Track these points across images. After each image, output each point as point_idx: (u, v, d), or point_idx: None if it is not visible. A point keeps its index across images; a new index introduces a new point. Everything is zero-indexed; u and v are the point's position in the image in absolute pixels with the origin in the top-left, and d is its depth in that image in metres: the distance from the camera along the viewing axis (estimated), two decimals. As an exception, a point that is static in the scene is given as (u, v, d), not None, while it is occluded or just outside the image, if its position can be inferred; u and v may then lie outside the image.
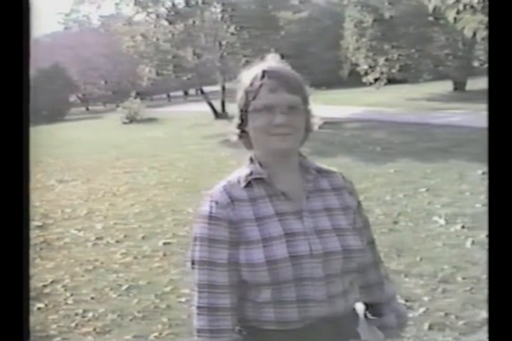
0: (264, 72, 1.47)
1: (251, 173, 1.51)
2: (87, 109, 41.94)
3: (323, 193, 1.56)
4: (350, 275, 1.54)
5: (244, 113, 1.51)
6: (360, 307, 1.66)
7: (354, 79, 26.50)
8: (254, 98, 1.46)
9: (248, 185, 1.50)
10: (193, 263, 1.48)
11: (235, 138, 1.57)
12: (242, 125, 1.53)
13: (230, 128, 1.56)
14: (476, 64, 22.35)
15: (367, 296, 1.68)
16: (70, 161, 12.25)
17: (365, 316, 1.67)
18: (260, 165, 1.51)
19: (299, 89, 1.49)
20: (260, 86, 1.46)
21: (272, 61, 1.54)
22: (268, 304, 1.46)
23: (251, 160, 1.54)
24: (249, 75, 1.50)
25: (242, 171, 1.54)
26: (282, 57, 1.58)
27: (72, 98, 40.23)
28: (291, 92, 1.46)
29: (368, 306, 1.69)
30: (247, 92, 1.48)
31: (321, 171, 1.59)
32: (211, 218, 1.46)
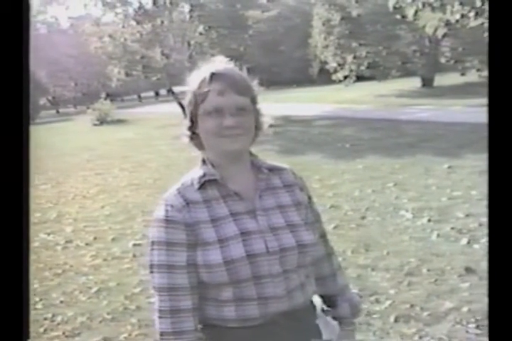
0: (212, 75, 1.48)
1: (204, 175, 1.52)
2: (58, 112, 41.45)
3: (276, 191, 1.59)
4: (306, 268, 1.58)
5: (194, 115, 1.52)
6: (316, 299, 1.70)
7: (323, 77, 26.71)
8: (203, 101, 1.48)
9: (202, 186, 1.51)
10: (151, 267, 1.49)
11: (186, 139, 1.58)
12: (193, 127, 1.54)
13: (181, 130, 1.57)
14: (442, 60, 22.68)
15: (321, 288, 1.72)
16: (41, 165, 12.10)
17: (322, 308, 1.71)
18: (213, 166, 1.53)
19: (247, 90, 1.51)
20: (208, 89, 1.47)
21: (220, 63, 1.54)
22: (229, 302, 1.48)
23: (203, 161, 1.56)
24: (197, 78, 1.51)
25: (195, 173, 1.55)
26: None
27: (42, 101, 39.70)
28: (239, 94, 1.47)
29: (323, 297, 1.74)
30: (195, 95, 1.50)
31: (272, 169, 1.61)
32: (167, 221, 1.47)
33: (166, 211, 1.48)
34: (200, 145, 1.56)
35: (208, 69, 1.50)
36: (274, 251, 1.48)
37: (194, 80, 1.52)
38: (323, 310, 1.69)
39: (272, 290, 1.48)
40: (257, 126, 1.55)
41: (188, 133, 1.56)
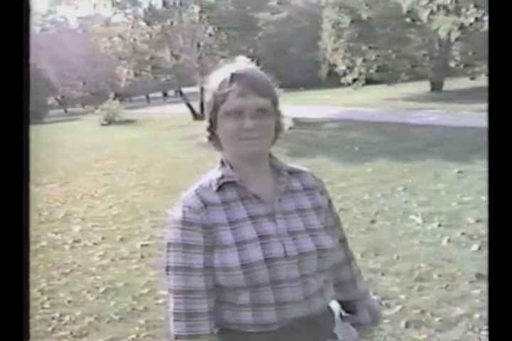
0: (232, 76, 1.44)
1: (222, 177, 1.49)
2: (66, 111, 41.56)
3: (295, 194, 1.56)
4: (325, 273, 1.54)
5: (213, 116, 1.49)
6: (334, 305, 1.67)
7: (332, 80, 26.63)
8: (222, 102, 1.45)
9: (220, 188, 1.48)
10: (167, 269, 1.47)
11: (205, 140, 1.56)
12: (212, 128, 1.51)
13: (201, 131, 1.55)
14: (452, 64, 22.60)
15: (341, 293, 1.69)
16: (48, 164, 12.12)
17: (340, 314, 1.68)
18: (231, 167, 1.50)
19: (268, 92, 1.47)
20: (229, 90, 1.43)
21: (241, 63, 1.51)
22: (246, 307, 1.45)
23: (222, 162, 1.53)
24: (217, 78, 1.48)
25: (213, 174, 1.52)
26: (256, 60, 1.56)
27: (51, 100, 39.80)
28: (260, 95, 1.44)
29: (342, 303, 1.71)
30: (215, 96, 1.47)
31: (292, 172, 1.59)
32: (185, 223, 1.44)
33: (184, 212, 1.46)
34: (219, 146, 1.54)
35: (228, 70, 1.47)
36: (293, 255, 1.45)
37: (214, 80, 1.49)
38: (341, 316, 1.66)
39: (289, 295, 1.45)
40: (278, 128, 1.53)
41: (207, 133, 1.54)
